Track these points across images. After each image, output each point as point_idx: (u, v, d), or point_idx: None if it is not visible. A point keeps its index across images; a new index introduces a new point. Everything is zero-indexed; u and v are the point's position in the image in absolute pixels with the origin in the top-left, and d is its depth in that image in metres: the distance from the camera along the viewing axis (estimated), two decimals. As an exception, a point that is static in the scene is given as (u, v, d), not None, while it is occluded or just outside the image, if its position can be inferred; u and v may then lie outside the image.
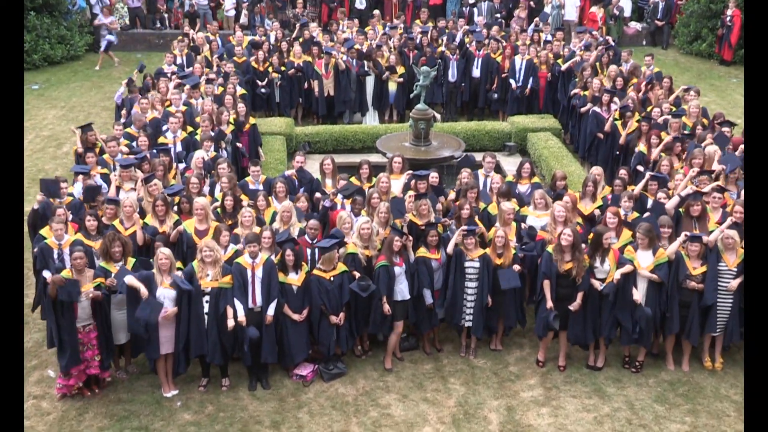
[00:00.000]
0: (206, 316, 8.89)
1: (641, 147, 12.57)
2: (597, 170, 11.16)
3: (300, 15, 21.27)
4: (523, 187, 11.12)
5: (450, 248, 9.52)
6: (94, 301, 8.67)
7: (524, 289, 9.99)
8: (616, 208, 9.83)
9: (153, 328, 8.67)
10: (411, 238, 9.67)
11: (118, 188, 10.70)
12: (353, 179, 11.18)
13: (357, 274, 9.27)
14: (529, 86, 16.82)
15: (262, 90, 16.69)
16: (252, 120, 14.02)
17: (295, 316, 9.12)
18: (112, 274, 8.77)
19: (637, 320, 9.18)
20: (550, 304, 9.24)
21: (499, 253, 9.53)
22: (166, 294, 8.70)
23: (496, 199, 10.48)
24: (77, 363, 8.69)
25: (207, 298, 8.88)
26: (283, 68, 16.92)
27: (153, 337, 8.75)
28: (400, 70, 17.24)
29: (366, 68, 17.04)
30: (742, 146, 11.50)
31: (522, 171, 11.27)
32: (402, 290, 9.45)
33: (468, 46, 17.71)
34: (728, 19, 20.97)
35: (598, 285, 9.17)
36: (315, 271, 9.23)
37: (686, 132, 12.66)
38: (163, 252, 8.77)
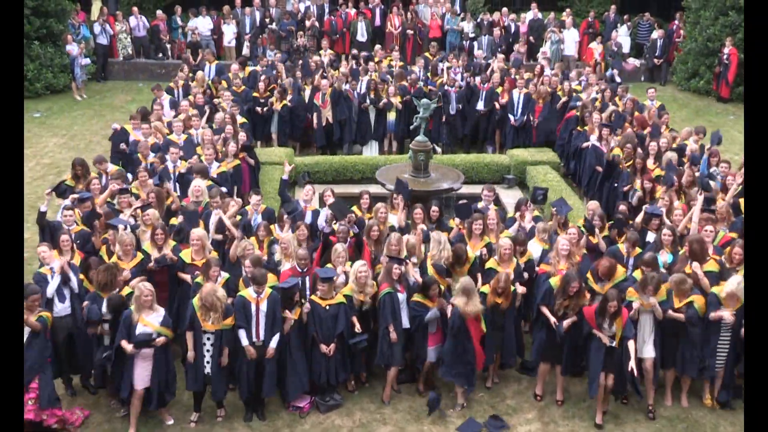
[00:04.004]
0: (207, 353, 8.78)
1: (638, 185, 12.56)
2: (593, 205, 11.16)
3: (305, 47, 21.44)
4: (524, 224, 10.95)
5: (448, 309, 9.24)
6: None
7: (522, 324, 9.96)
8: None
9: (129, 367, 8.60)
10: (408, 262, 9.60)
11: (118, 212, 10.72)
12: (355, 208, 11.17)
13: (357, 326, 9.21)
14: (526, 118, 16.93)
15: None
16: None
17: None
18: (84, 305, 8.75)
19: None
20: (553, 319, 9.16)
21: (500, 291, 9.33)
22: (144, 331, 8.51)
23: (496, 235, 10.42)
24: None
25: (209, 336, 8.76)
26: (284, 103, 16.95)
27: (126, 375, 8.61)
28: (398, 99, 17.29)
29: (367, 99, 17.17)
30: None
31: (522, 208, 11.10)
32: (403, 318, 9.41)
33: (470, 79, 17.85)
34: (725, 57, 21.16)
35: (606, 340, 8.88)
36: (312, 297, 9.19)
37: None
38: (146, 287, 8.59)
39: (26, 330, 8.15)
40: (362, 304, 9.37)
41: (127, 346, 8.40)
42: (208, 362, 8.79)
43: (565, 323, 9.11)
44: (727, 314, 9.03)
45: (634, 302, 9.08)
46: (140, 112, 14.64)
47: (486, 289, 9.37)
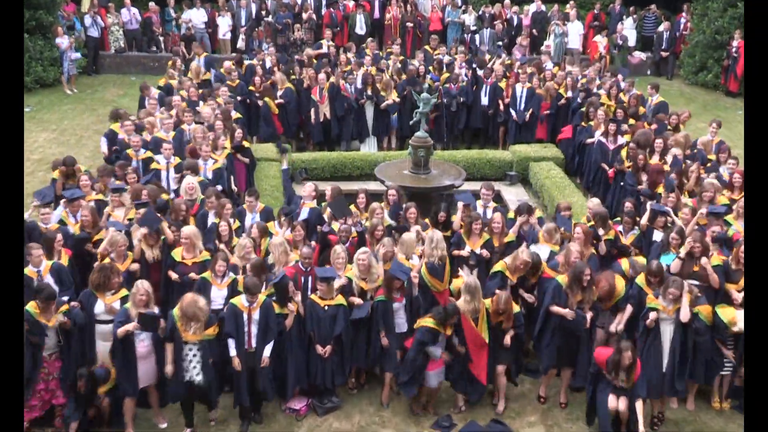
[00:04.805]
0: (189, 364, 8.45)
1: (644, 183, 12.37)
2: (593, 203, 11.00)
3: (302, 40, 21.16)
4: (526, 227, 10.65)
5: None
6: (62, 329, 8.42)
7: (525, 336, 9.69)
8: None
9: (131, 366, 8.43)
10: (414, 272, 9.37)
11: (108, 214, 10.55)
12: (352, 207, 10.94)
13: (356, 301, 9.04)
14: (528, 114, 16.72)
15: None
16: (246, 144, 13.89)
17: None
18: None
19: None
20: (570, 312, 8.87)
21: (501, 312, 8.96)
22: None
23: (499, 238, 10.24)
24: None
25: (190, 346, 8.43)
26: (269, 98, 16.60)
27: (131, 374, 8.42)
28: (393, 94, 17.01)
29: (364, 95, 16.84)
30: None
31: (524, 215, 10.72)
32: (400, 324, 9.19)
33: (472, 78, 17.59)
34: (734, 50, 20.87)
35: (618, 383, 8.45)
36: (312, 297, 8.99)
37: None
38: (143, 286, 8.39)
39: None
40: (363, 292, 9.19)
41: (129, 326, 8.21)
42: (188, 373, 8.44)
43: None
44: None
45: (652, 312, 8.76)
46: (116, 113, 14.22)
47: (488, 304, 9.01)
